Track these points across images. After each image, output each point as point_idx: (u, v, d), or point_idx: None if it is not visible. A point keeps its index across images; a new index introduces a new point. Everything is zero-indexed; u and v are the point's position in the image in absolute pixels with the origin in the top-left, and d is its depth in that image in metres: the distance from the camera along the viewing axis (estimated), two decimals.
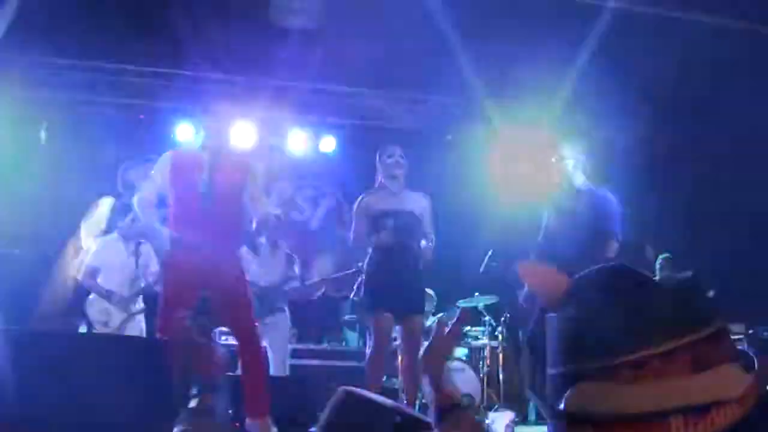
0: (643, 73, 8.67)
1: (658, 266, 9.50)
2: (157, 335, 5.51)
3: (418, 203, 6.55)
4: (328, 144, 10.68)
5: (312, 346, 9.56)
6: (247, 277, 7.94)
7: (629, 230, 11.12)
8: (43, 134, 9.61)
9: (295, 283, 8.27)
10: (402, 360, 6.56)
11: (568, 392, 1.15)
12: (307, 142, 10.53)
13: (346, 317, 9.32)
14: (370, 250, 6.44)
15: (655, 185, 10.84)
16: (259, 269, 8.17)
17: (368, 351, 6.39)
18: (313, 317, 9.79)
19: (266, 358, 6.30)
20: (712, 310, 1.14)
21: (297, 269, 8.40)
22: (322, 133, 10.63)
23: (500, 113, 9.64)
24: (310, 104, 10.32)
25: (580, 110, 9.50)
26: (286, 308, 8.17)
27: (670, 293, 1.14)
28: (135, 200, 5.93)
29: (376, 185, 6.60)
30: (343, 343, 9.60)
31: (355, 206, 6.58)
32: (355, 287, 8.89)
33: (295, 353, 8.90)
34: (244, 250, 8.33)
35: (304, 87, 9.99)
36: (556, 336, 1.20)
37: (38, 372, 3.74)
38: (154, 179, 5.81)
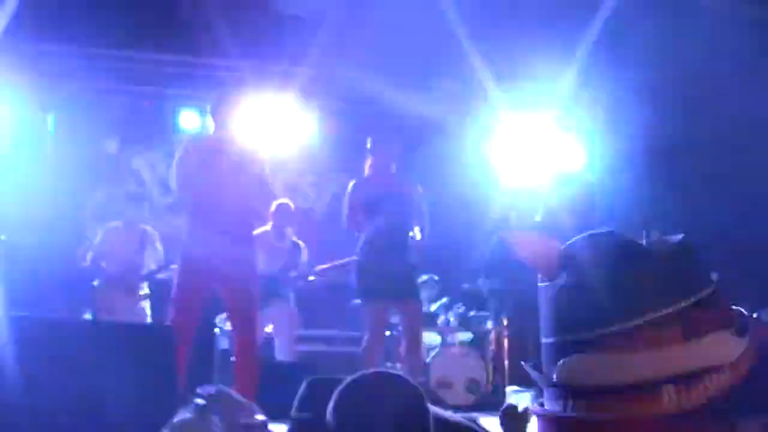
0: (648, 60, 8.65)
1: None
2: (168, 323, 5.54)
3: (413, 188, 6.55)
4: (332, 129, 10.66)
5: (320, 332, 9.58)
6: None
7: (634, 217, 11.18)
8: (49, 122, 9.62)
9: (300, 270, 8.29)
10: (403, 345, 6.58)
11: (560, 363, 1.16)
12: (311, 128, 10.51)
13: (354, 302, 9.33)
14: (362, 236, 6.41)
15: (661, 173, 10.84)
16: (263, 256, 8.19)
17: (365, 339, 6.38)
18: (321, 303, 9.80)
19: (258, 355, 6.25)
20: (703, 274, 1.14)
21: (305, 256, 8.41)
22: (326, 119, 10.61)
23: (504, 99, 9.63)
24: (315, 90, 10.30)
25: (584, 96, 9.50)
26: (291, 295, 8.20)
27: (660, 261, 1.14)
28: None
29: (366, 173, 6.58)
30: (349, 329, 9.61)
31: (348, 190, 6.54)
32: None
33: (302, 339, 8.94)
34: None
35: (308, 72, 9.97)
36: (548, 305, 1.20)
37: (43, 359, 3.76)
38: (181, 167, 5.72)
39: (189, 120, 10.05)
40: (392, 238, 6.31)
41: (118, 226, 7.92)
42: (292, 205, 8.50)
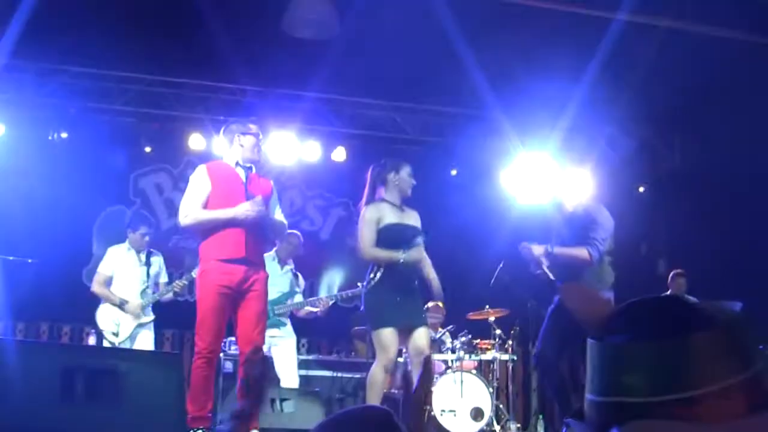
0: (651, 86, 8.69)
1: (669, 280, 9.51)
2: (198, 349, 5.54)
3: (417, 219, 6.57)
4: (339, 154, 10.69)
5: (321, 357, 9.58)
6: None
7: (641, 244, 11.21)
8: (57, 142, 9.64)
9: (298, 299, 8.31)
10: (413, 371, 6.55)
11: (618, 428, 1.13)
12: (317, 152, 10.54)
13: (356, 328, 9.32)
14: (378, 263, 6.38)
15: (666, 201, 10.88)
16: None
17: (375, 366, 6.36)
18: (323, 328, 9.79)
19: (267, 372, 6.24)
20: (758, 347, 1.12)
21: (302, 286, 8.47)
22: (333, 144, 10.64)
23: (510, 125, 9.66)
24: (321, 114, 10.34)
25: (587, 124, 9.53)
26: (289, 321, 8.22)
27: (724, 329, 1.12)
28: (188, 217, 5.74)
29: (377, 198, 6.53)
30: (353, 354, 9.59)
31: (365, 216, 6.48)
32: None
33: (304, 364, 8.92)
34: None
35: (315, 97, 10.02)
36: (599, 363, 1.17)
37: (46, 384, 3.75)
38: (197, 192, 5.74)
39: (196, 142, 10.08)
40: (411, 268, 6.35)
41: (123, 248, 7.91)
42: (300, 236, 8.55)
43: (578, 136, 9.84)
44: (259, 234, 5.78)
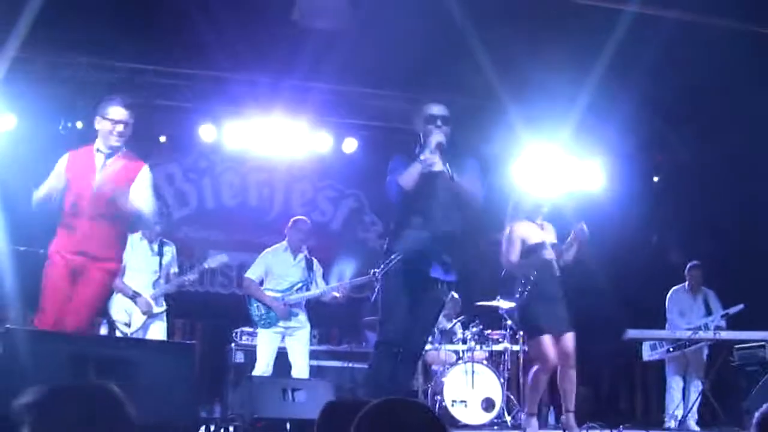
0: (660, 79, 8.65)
1: (686, 272, 9.49)
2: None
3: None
4: (350, 145, 10.67)
5: (332, 347, 9.59)
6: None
7: (652, 235, 11.19)
8: (68, 132, 9.64)
9: (313, 287, 8.28)
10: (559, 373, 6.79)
11: None
12: (328, 143, 10.52)
13: (366, 319, 9.31)
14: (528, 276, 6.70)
15: (677, 192, 10.85)
16: (278, 271, 8.18)
17: (538, 370, 6.73)
18: (334, 319, 9.80)
19: None
20: None
21: (319, 272, 8.41)
22: (344, 135, 10.62)
23: (521, 117, 9.61)
24: (333, 105, 10.31)
25: (598, 115, 9.50)
26: (303, 311, 8.21)
27: None
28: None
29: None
30: (363, 345, 9.60)
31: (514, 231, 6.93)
32: (376, 290, 8.88)
33: (315, 354, 8.93)
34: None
35: (326, 88, 9.99)
36: None
37: (57, 373, 3.76)
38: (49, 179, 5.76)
39: (208, 133, 10.08)
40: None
41: (136, 237, 7.89)
42: (308, 221, 8.51)
43: (589, 127, 9.79)
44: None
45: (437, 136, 5.79)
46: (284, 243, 8.28)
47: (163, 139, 10.39)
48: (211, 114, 10.09)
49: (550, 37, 8.05)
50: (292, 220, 8.45)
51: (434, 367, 9.11)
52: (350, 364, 9.22)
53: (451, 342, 9.13)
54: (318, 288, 8.28)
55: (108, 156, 5.70)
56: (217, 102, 9.98)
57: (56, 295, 5.40)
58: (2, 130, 9.17)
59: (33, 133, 9.30)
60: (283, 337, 8.06)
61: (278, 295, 8.05)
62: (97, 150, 5.72)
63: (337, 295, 8.24)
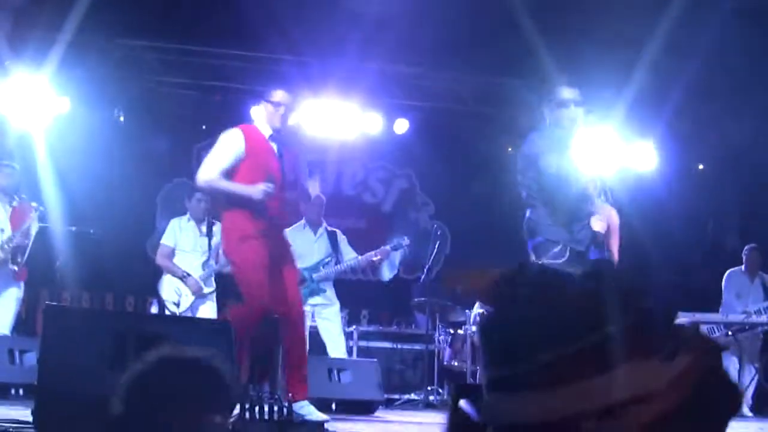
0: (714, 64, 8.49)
1: (744, 254, 9.33)
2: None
3: None
4: (401, 126, 10.64)
5: (382, 328, 9.58)
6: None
7: (709, 218, 11.02)
8: (120, 115, 9.77)
9: (345, 258, 8.13)
10: None
11: (482, 401, 1.11)
12: (379, 124, 10.51)
13: (416, 300, 9.29)
14: None
15: (731, 178, 10.68)
16: (302, 249, 8.06)
17: None
18: (383, 300, 9.81)
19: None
20: (623, 305, 1.06)
21: (343, 240, 8.27)
22: (394, 115, 10.59)
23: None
24: (384, 86, 10.29)
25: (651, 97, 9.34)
26: (331, 287, 8.07)
27: (572, 295, 1.07)
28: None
29: None
30: (413, 326, 9.59)
31: None
32: (425, 269, 8.87)
33: (365, 335, 8.94)
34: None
35: (377, 69, 9.98)
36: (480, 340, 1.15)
37: (98, 349, 3.80)
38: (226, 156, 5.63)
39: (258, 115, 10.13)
40: None
41: (184, 219, 7.96)
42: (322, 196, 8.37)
43: (642, 108, 9.64)
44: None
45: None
46: (302, 221, 8.20)
47: (214, 120, 10.46)
48: (263, 95, 10.12)
49: (604, 15, 7.93)
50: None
51: None
52: (400, 346, 9.21)
53: None
54: (348, 257, 8.15)
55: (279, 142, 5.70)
56: (269, 83, 10.01)
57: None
58: (57, 113, 9.30)
59: (86, 117, 9.43)
60: (313, 316, 7.97)
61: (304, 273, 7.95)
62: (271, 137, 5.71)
63: (376, 259, 8.10)
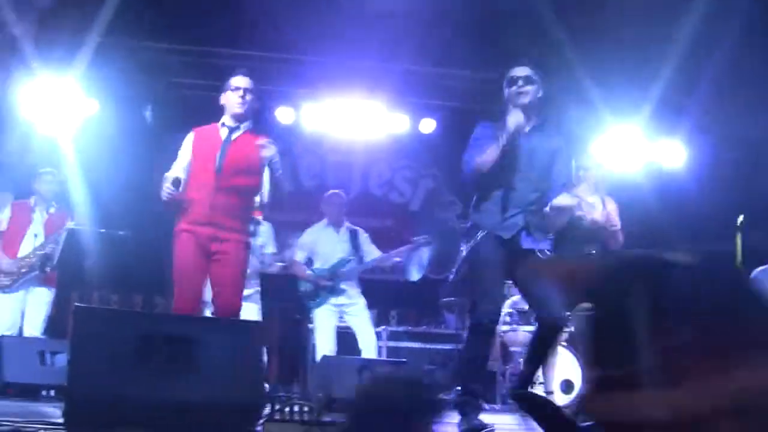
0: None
1: None
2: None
3: None
4: (427, 126, 10.62)
5: (410, 328, 9.55)
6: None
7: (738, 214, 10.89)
8: (148, 116, 9.81)
9: (368, 257, 8.10)
10: None
11: (589, 399, 1.06)
12: (406, 124, 10.50)
13: (445, 300, 9.26)
14: None
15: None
16: (324, 249, 8.07)
17: None
18: (412, 300, 9.78)
19: None
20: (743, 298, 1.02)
21: (366, 240, 8.22)
22: (420, 115, 10.58)
23: (600, 98, 9.44)
24: (410, 86, 10.27)
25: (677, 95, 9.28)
26: (356, 285, 8.04)
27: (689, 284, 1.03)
28: None
29: None
30: (442, 326, 9.56)
31: None
32: (455, 269, 8.83)
33: (394, 335, 8.91)
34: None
35: (402, 69, 9.96)
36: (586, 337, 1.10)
37: (124, 350, 3.81)
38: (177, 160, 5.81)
39: (285, 115, 10.15)
40: None
41: None
42: (341, 193, 8.35)
43: (669, 106, 9.58)
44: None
45: (516, 117, 5.47)
46: (324, 220, 8.18)
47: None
48: (289, 96, 10.15)
49: (631, 12, 7.89)
50: (326, 194, 8.36)
51: (512, 349, 9.02)
52: (428, 345, 9.18)
53: (530, 323, 9.01)
54: (371, 256, 8.11)
55: (233, 130, 5.71)
56: (295, 84, 10.03)
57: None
58: (86, 115, 9.35)
59: (115, 118, 9.47)
60: (341, 316, 7.96)
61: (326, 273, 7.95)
62: (222, 125, 5.73)
63: (398, 259, 8.09)
